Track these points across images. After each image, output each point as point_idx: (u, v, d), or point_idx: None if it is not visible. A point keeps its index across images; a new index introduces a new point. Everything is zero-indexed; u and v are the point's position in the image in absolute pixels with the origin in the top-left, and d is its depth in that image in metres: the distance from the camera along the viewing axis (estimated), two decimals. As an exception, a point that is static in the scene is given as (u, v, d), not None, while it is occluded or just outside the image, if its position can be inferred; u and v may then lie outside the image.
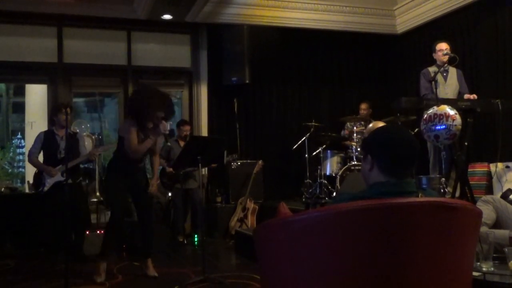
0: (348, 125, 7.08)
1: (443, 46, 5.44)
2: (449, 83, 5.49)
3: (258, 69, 7.48)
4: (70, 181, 4.82)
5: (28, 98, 9.45)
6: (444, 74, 5.49)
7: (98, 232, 5.62)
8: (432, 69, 5.48)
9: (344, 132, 7.14)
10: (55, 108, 5.32)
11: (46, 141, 5.23)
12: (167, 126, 4.26)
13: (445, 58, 5.32)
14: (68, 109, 4.52)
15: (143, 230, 4.51)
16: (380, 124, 4.21)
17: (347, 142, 6.81)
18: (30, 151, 5.26)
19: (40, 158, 5.31)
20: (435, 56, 5.55)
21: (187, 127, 6.52)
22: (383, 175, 1.76)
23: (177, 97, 7.82)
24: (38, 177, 5.22)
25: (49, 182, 5.09)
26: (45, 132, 5.39)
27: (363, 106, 7.19)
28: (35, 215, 5.66)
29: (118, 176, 4.31)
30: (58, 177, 5.09)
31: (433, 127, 4.01)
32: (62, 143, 5.16)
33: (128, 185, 4.35)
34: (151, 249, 4.49)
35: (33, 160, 5.21)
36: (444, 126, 3.97)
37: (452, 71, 5.54)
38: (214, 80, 7.42)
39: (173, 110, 4.41)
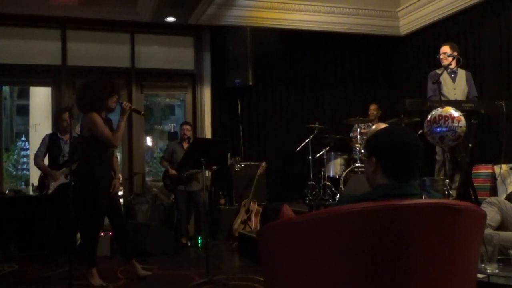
0: (356, 127, 7.05)
1: (443, 50, 5.45)
2: (458, 85, 5.49)
3: (261, 71, 7.47)
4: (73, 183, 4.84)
5: (32, 100, 9.48)
6: (452, 75, 5.49)
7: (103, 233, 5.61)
8: (439, 71, 5.48)
9: (353, 134, 7.09)
10: (56, 115, 5.45)
11: (51, 144, 5.35)
12: (127, 103, 4.32)
13: (447, 61, 5.33)
14: (66, 114, 4.56)
15: (119, 231, 4.37)
16: (383, 125, 4.20)
17: (351, 144, 6.79)
18: (35, 154, 5.37)
19: (46, 160, 5.38)
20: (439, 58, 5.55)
21: (187, 126, 6.52)
22: (387, 177, 1.75)
23: (181, 99, 7.82)
24: (42, 179, 5.30)
25: (53, 185, 5.16)
26: (50, 135, 5.51)
27: (372, 107, 7.17)
28: (39, 218, 5.68)
29: (97, 179, 4.13)
30: (62, 180, 5.15)
31: (436, 129, 4.00)
32: (66, 147, 5.25)
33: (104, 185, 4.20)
34: (131, 250, 4.40)
35: (38, 163, 5.32)
36: (445, 129, 3.95)
37: (461, 73, 5.53)
38: (218, 82, 7.42)
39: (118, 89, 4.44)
